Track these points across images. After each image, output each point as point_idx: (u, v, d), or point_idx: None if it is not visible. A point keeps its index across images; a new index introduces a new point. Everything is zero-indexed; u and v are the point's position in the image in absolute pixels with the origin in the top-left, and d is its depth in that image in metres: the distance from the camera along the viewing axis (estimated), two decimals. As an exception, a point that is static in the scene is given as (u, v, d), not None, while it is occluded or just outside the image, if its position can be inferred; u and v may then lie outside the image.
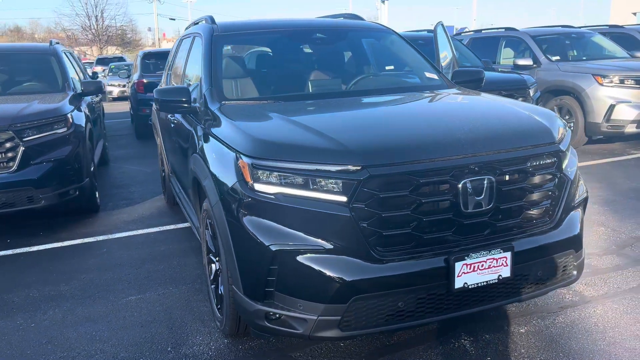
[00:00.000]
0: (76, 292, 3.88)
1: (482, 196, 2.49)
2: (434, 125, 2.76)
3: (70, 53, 8.03)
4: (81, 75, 7.97)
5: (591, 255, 4.12)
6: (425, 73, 4.13)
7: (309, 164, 2.41)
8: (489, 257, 2.51)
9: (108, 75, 22.30)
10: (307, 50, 4.09)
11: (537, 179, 2.67)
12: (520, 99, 6.96)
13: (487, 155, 2.53)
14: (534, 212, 2.67)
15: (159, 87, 3.78)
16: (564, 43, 9.57)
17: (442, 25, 6.29)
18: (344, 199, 2.36)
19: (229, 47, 4.07)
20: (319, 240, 2.38)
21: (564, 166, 2.77)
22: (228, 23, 4.27)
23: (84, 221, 5.60)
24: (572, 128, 8.23)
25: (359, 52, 4.27)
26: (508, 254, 2.54)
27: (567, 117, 8.32)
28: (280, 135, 2.68)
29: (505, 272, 2.56)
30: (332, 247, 2.38)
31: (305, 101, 3.43)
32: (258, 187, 2.48)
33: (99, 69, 26.78)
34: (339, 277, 2.36)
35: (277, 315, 2.50)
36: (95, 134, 7.00)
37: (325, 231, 2.38)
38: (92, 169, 5.80)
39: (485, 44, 10.34)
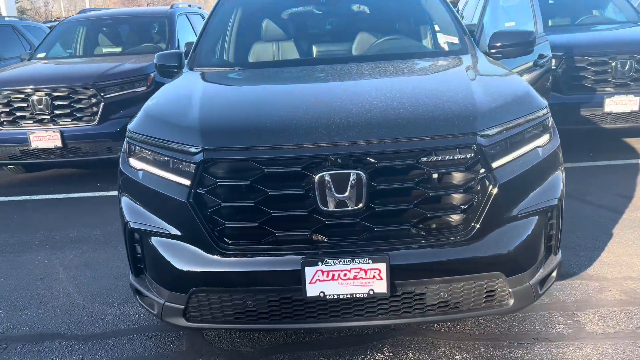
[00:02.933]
0: (100, 237, 4.32)
1: (347, 194, 2.06)
2: (310, 106, 2.32)
3: (201, 15, 8.64)
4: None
5: (638, 278, 3.16)
6: (447, 37, 3.49)
7: (166, 142, 2.27)
8: (352, 266, 2.09)
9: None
10: (315, 11, 3.77)
11: (438, 178, 2.12)
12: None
13: (358, 145, 2.07)
14: (431, 218, 2.14)
15: (159, 52, 3.87)
16: None
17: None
18: (187, 182, 2.18)
19: (241, 11, 3.94)
20: (165, 224, 2.25)
21: (493, 164, 2.13)
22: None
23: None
24: None
25: (369, 13, 3.78)
26: (382, 266, 2.09)
27: None
28: (165, 110, 2.56)
29: (380, 287, 2.11)
30: (177, 233, 2.23)
31: (266, 69, 3.20)
32: (131, 162, 2.43)
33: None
34: (176, 265, 2.21)
35: (145, 293, 2.47)
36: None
37: (171, 215, 2.24)
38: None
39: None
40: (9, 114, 5.55)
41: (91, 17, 7.50)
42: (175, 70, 3.55)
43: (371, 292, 2.12)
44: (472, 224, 2.13)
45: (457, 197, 2.14)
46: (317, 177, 2.06)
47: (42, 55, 6.89)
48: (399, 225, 2.13)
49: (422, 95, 2.35)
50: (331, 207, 2.08)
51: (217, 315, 2.27)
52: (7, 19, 9.41)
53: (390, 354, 2.61)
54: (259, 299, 2.20)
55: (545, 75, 4.30)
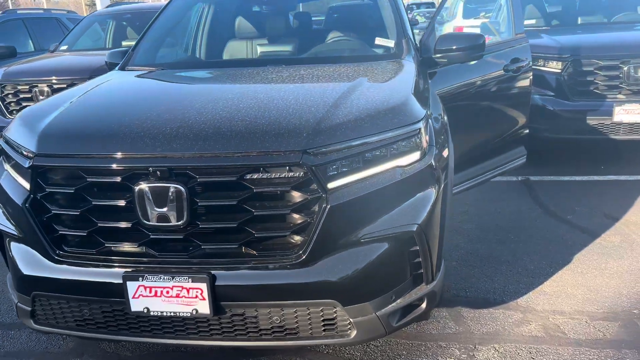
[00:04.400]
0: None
1: (167, 209, 1.98)
2: (152, 115, 2.21)
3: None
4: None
5: (569, 313, 2.83)
6: (385, 40, 3.27)
7: (18, 146, 2.28)
8: (174, 284, 2.01)
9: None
10: (255, 10, 3.66)
11: (265, 197, 1.98)
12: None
13: (179, 158, 1.97)
14: (260, 239, 2.01)
15: (111, 50, 3.91)
16: None
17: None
18: (27, 186, 2.18)
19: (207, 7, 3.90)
20: (12, 226, 2.27)
21: (328, 185, 1.96)
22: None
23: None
24: None
25: (314, 15, 3.61)
26: (203, 286, 1.99)
27: None
28: (34, 114, 2.51)
29: (203, 308, 2.02)
30: (22, 235, 2.24)
31: (180, 71, 3.15)
32: (4, 163, 2.47)
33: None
34: (20, 268, 2.23)
35: (9, 292, 2.51)
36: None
37: (17, 218, 2.25)
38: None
39: None
40: (17, 103, 5.88)
41: (113, 11, 7.79)
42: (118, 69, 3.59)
43: (195, 312, 2.03)
44: (304, 248, 1.98)
45: (286, 218, 2.00)
46: (136, 190, 1.98)
47: (64, 47, 7.23)
48: (226, 244, 2.02)
49: (274, 107, 2.20)
50: (153, 221, 2.00)
51: (60, 321, 2.27)
52: (52, 12, 9.97)
53: (258, 373, 2.50)
54: (94, 308, 2.17)
55: (521, 84, 3.89)
